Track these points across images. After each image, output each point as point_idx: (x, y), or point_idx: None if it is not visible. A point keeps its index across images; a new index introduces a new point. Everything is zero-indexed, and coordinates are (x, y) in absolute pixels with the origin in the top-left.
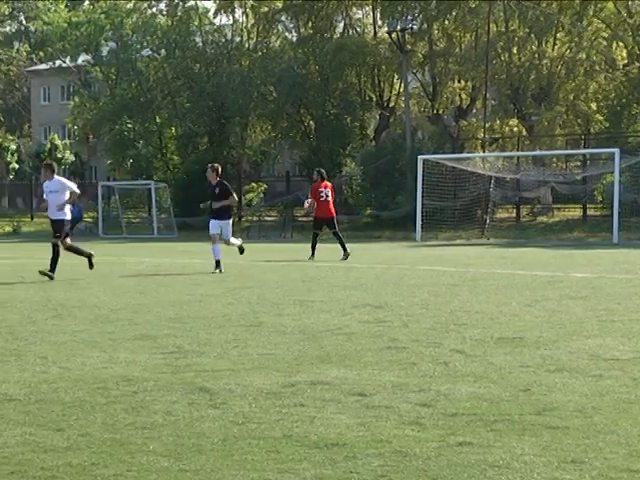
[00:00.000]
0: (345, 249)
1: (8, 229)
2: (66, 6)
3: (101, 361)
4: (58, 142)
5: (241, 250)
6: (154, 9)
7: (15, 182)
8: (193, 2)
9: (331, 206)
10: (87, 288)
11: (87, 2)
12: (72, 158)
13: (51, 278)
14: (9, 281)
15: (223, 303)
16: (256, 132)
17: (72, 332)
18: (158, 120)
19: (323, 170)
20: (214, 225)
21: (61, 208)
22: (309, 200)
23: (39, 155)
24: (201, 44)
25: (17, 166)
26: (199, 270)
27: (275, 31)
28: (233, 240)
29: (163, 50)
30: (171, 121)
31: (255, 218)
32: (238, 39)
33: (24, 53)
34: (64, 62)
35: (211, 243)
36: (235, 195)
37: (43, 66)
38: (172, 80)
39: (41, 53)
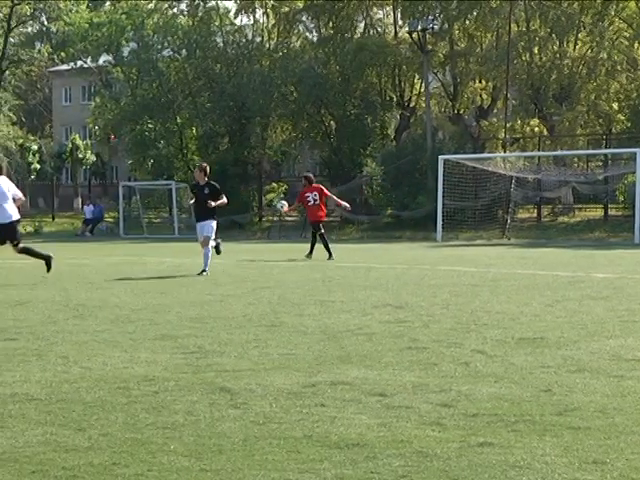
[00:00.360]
0: (311, 252)
1: (29, 229)
2: (87, 7)
3: (122, 361)
4: (79, 142)
5: (218, 251)
6: (175, 9)
7: (36, 182)
8: (214, 2)
9: (322, 209)
10: (108, 288)
11: (108, 3)
12: (93, 158)
13: (51, 260)
14: (30, 281)
15: (244, 303)
16: (277, 132)
17: (93, 332)
18: (179, 120)
19: (310, 174)
20: (206, 227)
21: None
22: (284, 203)
23: (60, 155)
24: (222, 44)
25: (39, 166)
26: (219, 270)
27: (296, 31)
28: (212, 242)
29: (184, 50)
30: (192, 121)
31: (276, 218)
32: (259, 39)
33: (45, 54)
34: (85, 63)
35: (203, 247)
36: (224, 196)
37: (64, 67)
38: (193, 80)
39: (62, 54)
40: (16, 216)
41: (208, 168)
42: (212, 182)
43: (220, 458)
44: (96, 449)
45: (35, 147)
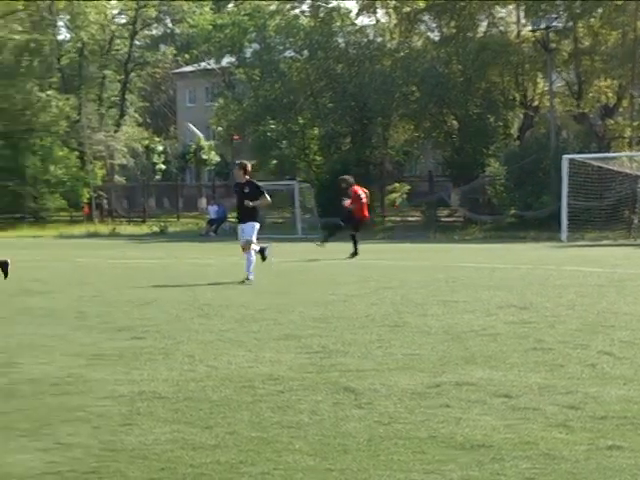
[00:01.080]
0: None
1: (155, 229)
2: (211, 8)
3: (247, 360)
4: (203, 143)
5: (263, 257)
6: (297, 10)
7: (161, 183)
8: (335, 3)
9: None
10: (232, 288)
11: (231, 4)
12: (217, 159)
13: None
14: (157, 281)
15: (367, 303)
16: (398, 132)
17: (218, 331)
18: (301, 121)
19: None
20: (247, 230)
21: None
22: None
23: (184, 156)
24: (343, 45)
25: (164, 167)
26: (341, 270)
27: (417, 31)
28: (255, 246)
29: (306, 51)
30: (314, 121)
31: (398, 218)
32: (380, 39)
33: (170, 56)
34: (208, 64)
35: (244, 251)
36: (267, 195)
37: (188, 68)
38: (315, 81)
39: (186, 55)
40: None
41: (249, 166)
42: (253, 181)
43: (345, 458)
44: (223, 447)
45: (160, 148)
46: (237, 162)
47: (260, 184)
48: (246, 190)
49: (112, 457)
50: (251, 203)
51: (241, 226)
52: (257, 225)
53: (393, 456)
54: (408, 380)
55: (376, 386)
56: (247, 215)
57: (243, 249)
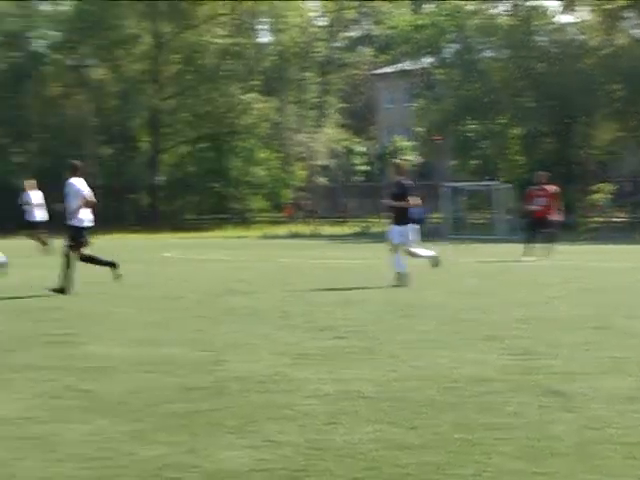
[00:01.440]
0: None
1: (357, 229)
2: (412, 9)
3: (450, 360)
4: (402, 144)
5: (435, 263)
6: (496, 10)
7: (362, 183)
8: (536, 2)
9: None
10: (430, 289)
11: (431, 5)
12: (417, 159)
13: (62, 292)
14: (358, 281)
15: (570, 305)
16: (602, 131)
17: (420, 331)
18: (502, 120)
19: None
20: (396, 232)
21: (71, 214)
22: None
23: (381, 157)
24: (545, 43)
25: (367, 168)
26: (542, 271)
27: (620, 28)
28: (417, 250)
29: (506, 50)
30: (515, 121)
31: (602, 219)
32: (582, 37)
33: (368, 57)
34: (408, 65)
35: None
36: (412, 199)
37: (387, 69)
38: (515, 80)
39: (386, 56)
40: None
41: (403, 165)
42: (402, 181)
43: (553, 462)
44: (428, 448)
45: (361, 149)
46: (394, 161)
47: (409, 184)
48: (393, 190)
49: (319, 455)
50: (393, 203)
51: (398, 228)
52: (403, 228)
53: (603, 461)
54: (617, 383)
55: (584, 389)
56: (396, 217)
57: (408, 253)
